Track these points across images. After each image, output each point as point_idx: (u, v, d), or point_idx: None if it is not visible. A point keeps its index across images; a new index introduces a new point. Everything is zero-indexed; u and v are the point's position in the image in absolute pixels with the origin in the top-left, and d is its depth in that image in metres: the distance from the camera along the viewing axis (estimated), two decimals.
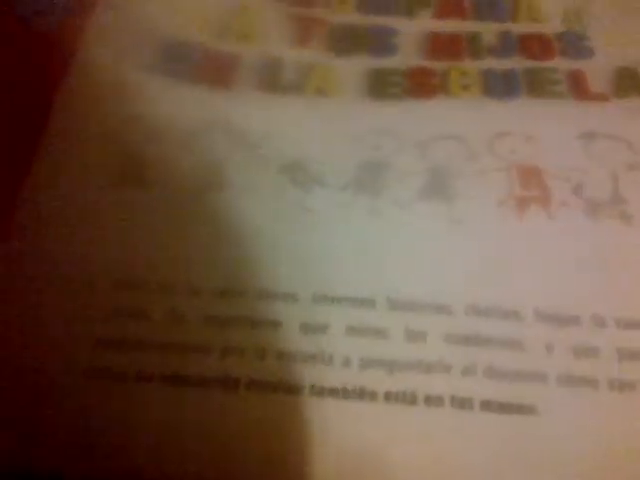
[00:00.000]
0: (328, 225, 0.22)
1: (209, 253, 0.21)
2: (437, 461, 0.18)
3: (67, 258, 0.21)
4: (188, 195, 0.22)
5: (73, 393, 0.19)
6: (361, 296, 0.20)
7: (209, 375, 0.19)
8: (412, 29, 0.27)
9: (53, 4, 0.26)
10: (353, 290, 0.21)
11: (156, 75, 0.25)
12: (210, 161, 0.23)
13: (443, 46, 0.27)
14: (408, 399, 0.19)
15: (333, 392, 0.19)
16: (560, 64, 0.26)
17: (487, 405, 0.19)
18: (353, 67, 0.26)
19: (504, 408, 0.19)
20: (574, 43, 0.27)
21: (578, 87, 0.25)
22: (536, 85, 0.25)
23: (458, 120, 0.24)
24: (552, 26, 0.28)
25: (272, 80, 0.26)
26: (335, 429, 0.18)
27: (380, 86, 0.25)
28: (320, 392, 0.19)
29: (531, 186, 0.23)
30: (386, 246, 0.22)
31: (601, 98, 0.25)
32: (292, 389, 0.19)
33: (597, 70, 0.26)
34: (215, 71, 0.26)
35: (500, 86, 0.25)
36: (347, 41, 0.27)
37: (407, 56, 0.27)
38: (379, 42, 0.27)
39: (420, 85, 0.26)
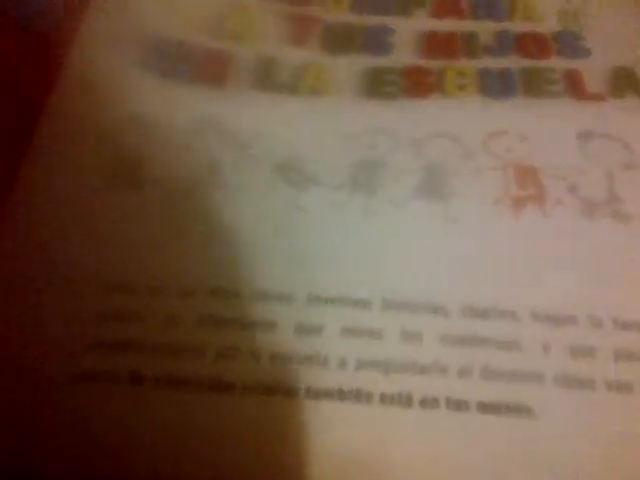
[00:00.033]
0: (323, 225, 0.22)
1: (202, 254, 0.21)
2: (433, 463, 0.18)
3: (60, 260, 0.21)
4: (182, 195, 0.22)
5: (68, 394, 0.19)
6: (356, 296, 0.20)
7: (203, 376, 0.19)
8: (408, 28, 0.27)
9: (49, 5, 0.26)
10: (348, 290, 0.20)
11: (151, 75, 0.25)
12: (204, 161, 0.23)
13: (439, 45, 0.27)
14: (404, 401, 0.19)
15: (329, 394, 0.19)
16: (556, 64, 0.26)
17: (483, 406, 0.19)
18: (348, 66, 0.26)
19: (501, 409, 0.19)
20: (570, 43, 0.27)
21: (574, 87, 0.25)
22: (532, 84, 0.25)
23: (454, 119, 0.24)
24: (549, 26, 0.28)
25: (267, 79, 0.25)
26: (331, 431, 0.18)
27: (375, 85, 0.25)
28: (316, 393, 0.19)
29: (527, 185, 0.23)
30: (381, 246, 0.21)
31: (597, 98, 0.25)
32: (287, 391, 0.19)
33: (593, 70, 0.26)
34: (210, 70, 0.26)
35: (496, 85, 0.25)
36: (342, 40, 0.27)
37: (403, 55, 0.27)
38: (374, 41, 0.27)
39: (416, 84, 0.25)
